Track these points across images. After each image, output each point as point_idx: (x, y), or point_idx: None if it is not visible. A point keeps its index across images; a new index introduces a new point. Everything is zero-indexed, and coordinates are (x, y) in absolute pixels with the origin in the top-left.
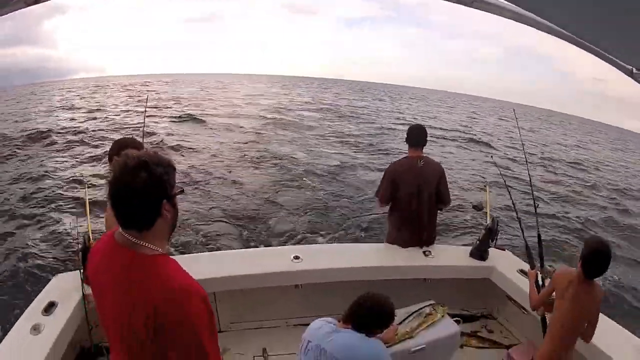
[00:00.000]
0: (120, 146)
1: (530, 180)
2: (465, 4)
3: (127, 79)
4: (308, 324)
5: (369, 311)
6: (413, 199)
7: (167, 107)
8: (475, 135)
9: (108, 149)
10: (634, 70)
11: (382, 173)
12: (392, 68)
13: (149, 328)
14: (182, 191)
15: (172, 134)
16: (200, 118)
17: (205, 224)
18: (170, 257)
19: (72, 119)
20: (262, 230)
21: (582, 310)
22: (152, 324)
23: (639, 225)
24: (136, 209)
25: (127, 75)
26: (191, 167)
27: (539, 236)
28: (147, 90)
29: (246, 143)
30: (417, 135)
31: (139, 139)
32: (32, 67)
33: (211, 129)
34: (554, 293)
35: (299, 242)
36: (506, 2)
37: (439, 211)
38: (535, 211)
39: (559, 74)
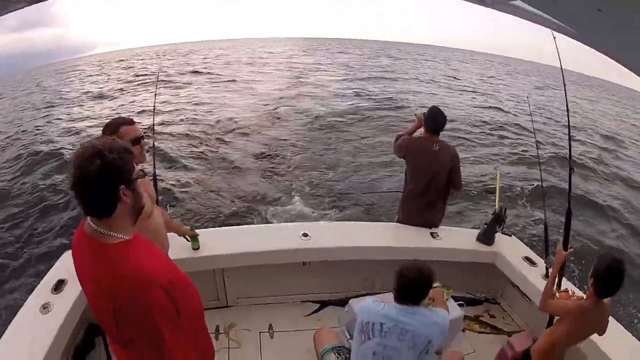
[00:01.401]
0: (111, 128)
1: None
2: (486, 5)
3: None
4: (314, 301)
5: (419, 283)
6: (423, 181)
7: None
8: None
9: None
10: None
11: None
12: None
13: (112, 316)
14: (142, 176)
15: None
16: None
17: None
18: (138, 240)
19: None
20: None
21: (587, 333)
22: (113, 312)
23: None
24: (93, 197)
25: (145, 47)
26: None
27: (545, 225)
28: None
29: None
30: (438, 122)
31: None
32: (47, 49)
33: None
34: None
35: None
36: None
37: (449, 195)
38: (544, 199)
39: None
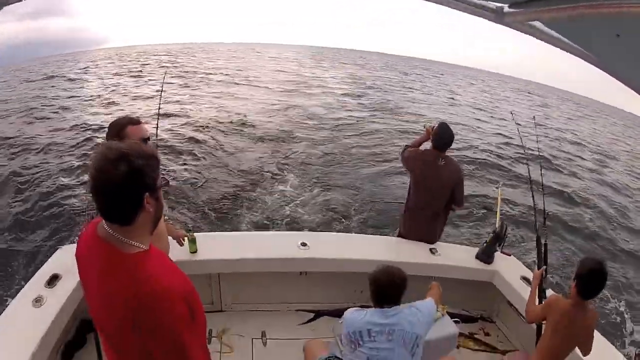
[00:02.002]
0: (117, 128)
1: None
2: (504, 24)
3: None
4: (309, 311)
5: (391, 286)
6: (425, 196)
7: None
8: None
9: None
10: (505, 9)
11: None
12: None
13: (127, 326)
14: (167, 183)
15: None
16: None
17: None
18: (154, 251)
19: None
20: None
21: (574, 338)
22: (130, 323)
23: None
24: (116, 203)
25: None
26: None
27: (537, 238)
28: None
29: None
30: (445, 140)
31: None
32: (60, 39)
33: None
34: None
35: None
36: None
37: (450, 211)
38: (544, 221)
39: None
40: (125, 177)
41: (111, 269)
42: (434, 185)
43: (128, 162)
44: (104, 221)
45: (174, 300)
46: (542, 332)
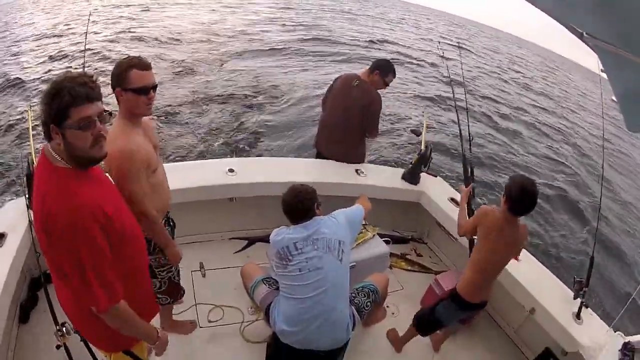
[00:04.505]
0: (119, 70)
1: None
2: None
3: None
4: (243, 238)
5: (298, 203)
6: (334, 114)
7: None
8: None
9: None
10: (584, 34)
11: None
12: None
13: (43, 237)
14: (85, 127)
15: None
16: None
17: None
18: (86, 174)
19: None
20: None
21: (506, 250)
22: (45, 231)
23: None
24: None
25: None
26: None
27: (463, 156)
28: None
29: None
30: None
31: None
32: None
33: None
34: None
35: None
36: None
37: (366, 137)
38: (469, 143)
39: None
40: (40, 101)
41: (38, 178)
42: (342, 104)
43: (45, 91)
44: None
45: (77, 212)
46: (474, 246)
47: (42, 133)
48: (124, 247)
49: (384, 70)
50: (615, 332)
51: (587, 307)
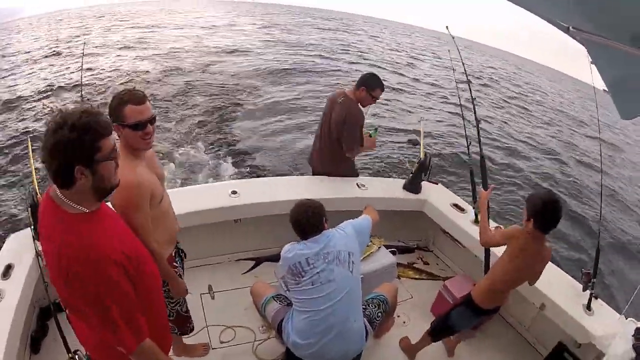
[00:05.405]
0: (115, 103)
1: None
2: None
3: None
4: (251, 259)
5: (307, 218)
6: (322, 132)
7: None
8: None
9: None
10: (570, 28)
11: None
12: None
13: (62, 282)
14: (113, 158)
15: None
16: None
17: None
18: (100, 214)
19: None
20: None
21: (530, 271)
22: (63, 279)
23: None
24: (50, 169)
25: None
26: None
27: (481, 157)
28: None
29: None
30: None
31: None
32: None
33: None
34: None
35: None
36: None
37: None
38: (468, 148)
39: None
40: (53, 147)
41: (51, 226)
42: (328, 121)
43: (58, 133)
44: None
45: (97, 262)
46: (497, 259)
47: (54, 178)
48: (143, 283)
49: (369, 85)
50: (627, 318)
51: (596, 298)
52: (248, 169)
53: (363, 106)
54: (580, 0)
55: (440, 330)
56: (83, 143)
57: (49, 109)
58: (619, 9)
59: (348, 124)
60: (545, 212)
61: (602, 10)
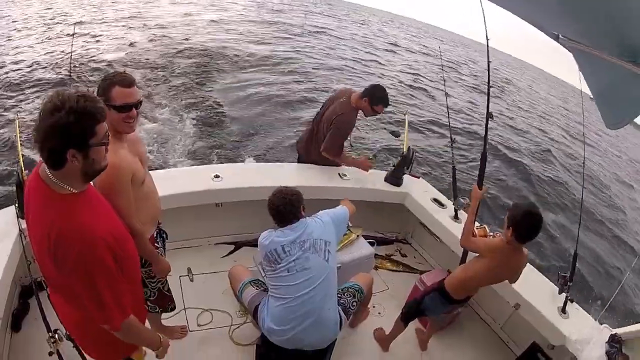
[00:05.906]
0: (103, 85)
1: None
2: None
3: None
4: (230, 243)
5: (285, 206)
6: (317, 120)
7: None
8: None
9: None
10: (560, 36)
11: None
12: None
13: (50, 260)
14: (104, 144)
15: None
16: None
17: None
18: (87, 195)
19: None
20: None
21: (505, 274)
22: (52, 257)
23: None
24: (42, 150)
25: None
26: None
27: (483, 154)
28: None
29: None
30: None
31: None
32: None
33: None
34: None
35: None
36: None
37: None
38: (452, 145)
39: None
40: (49, 129)
41: (41, 205)
42: (324, 113)
43: (57, 116)
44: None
45: (89, 242)
46: (475, 258)
47: (46, 159)
48: (126, 262)
49: (373, 100)
50: (601, 324)
51: (572, 301)
52: (230, 153)
53: (365, 115)
54: (567, 9)
55: (413, 313)
56: (79, 128)
57: (37, 87)
58: (605, 21)
59: (334, 128)
60: (525, 223)
61: (581, 20)
